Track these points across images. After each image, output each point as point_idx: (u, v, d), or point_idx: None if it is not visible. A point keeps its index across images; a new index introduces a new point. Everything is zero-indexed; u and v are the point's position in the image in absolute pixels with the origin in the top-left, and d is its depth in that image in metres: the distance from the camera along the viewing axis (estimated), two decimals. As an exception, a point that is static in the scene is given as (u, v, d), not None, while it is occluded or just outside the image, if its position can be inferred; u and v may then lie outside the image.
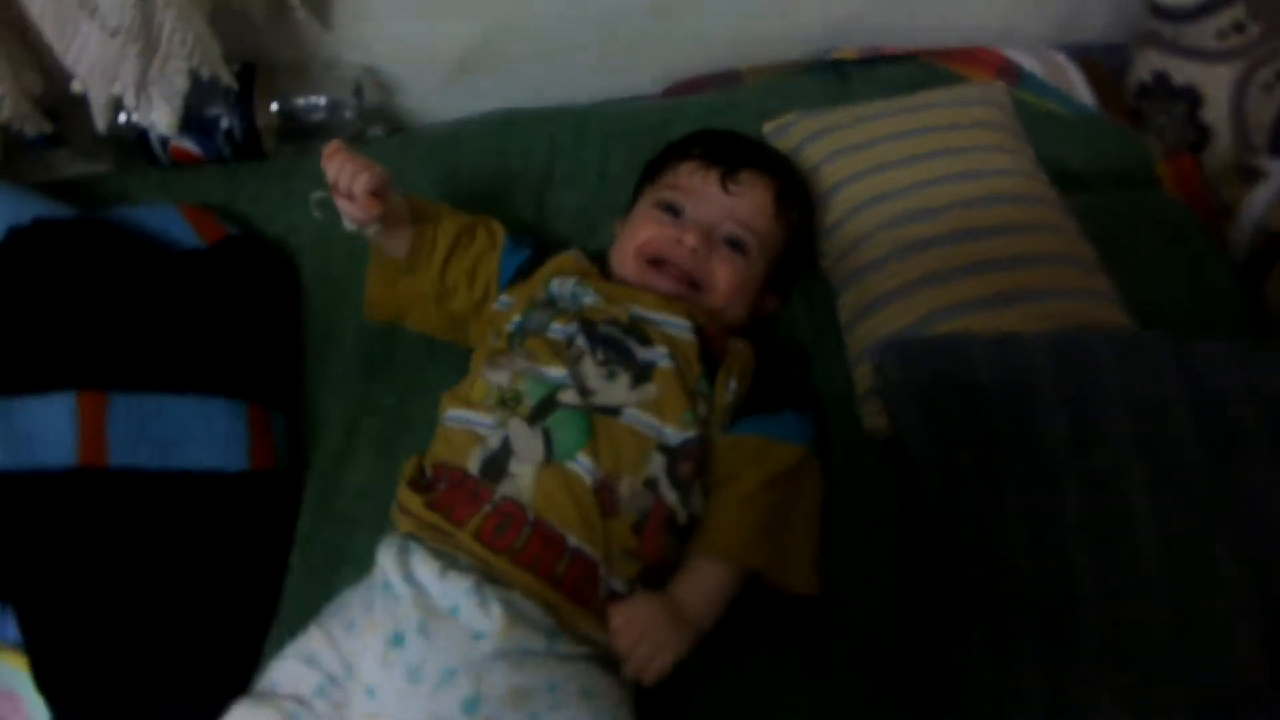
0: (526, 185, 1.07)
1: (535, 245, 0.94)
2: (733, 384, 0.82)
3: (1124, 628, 0.67)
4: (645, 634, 0.70)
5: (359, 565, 0.83)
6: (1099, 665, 0.66)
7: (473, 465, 0.75)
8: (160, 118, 0.91)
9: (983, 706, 0.70)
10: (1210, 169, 1.06)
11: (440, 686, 0.67)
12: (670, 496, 0.75)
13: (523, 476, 0.73)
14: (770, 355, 0.88)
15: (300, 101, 1.09)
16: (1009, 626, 0.70)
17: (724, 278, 0.87)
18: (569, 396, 0.76)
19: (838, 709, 0.77)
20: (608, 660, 0.72)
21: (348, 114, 1.12)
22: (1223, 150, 1.06)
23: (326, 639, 0.72)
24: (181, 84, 0.90)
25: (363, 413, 0.94)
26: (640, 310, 0.83)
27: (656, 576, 0.75)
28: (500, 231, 0.93)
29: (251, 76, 1.07)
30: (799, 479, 0.80)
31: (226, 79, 0.96)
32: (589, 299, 0.85)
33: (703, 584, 0.75)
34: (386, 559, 0.74)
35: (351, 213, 0.84)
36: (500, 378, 0.79)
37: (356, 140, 1.14)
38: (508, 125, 1.12)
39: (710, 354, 0.82)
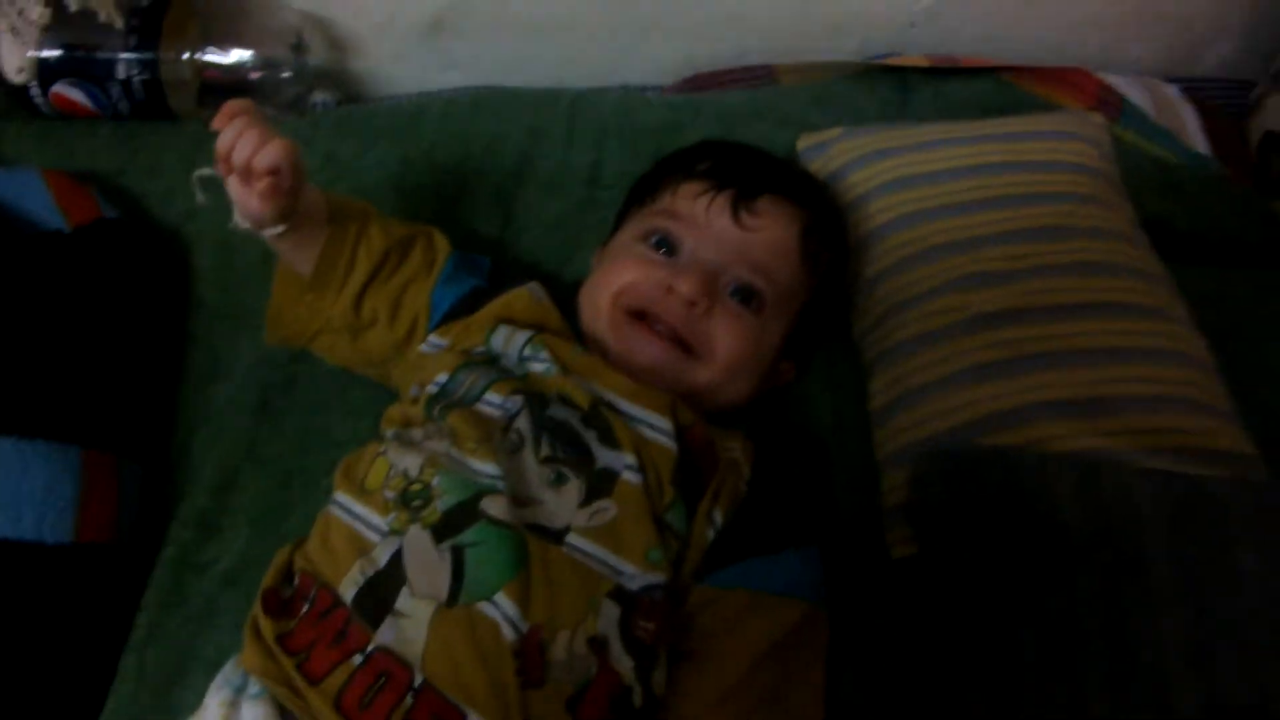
0: (493, 185, 0.86)
1: (490, 273, 0.72)
2: (717, 518, 0.60)
3: None
4: None
5: (209, 673, 0.62)
6: None
7: (348, 588, 0.54)
8: (7, 57, 0.68)
9: None
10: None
11: None
12: (624, 664, 0.54)
13: (413, 620, 0.52)
14: (776, 457, 0.66)
15: (223, 53, 0.87)
16: None
17: (726, 344, 0.65)
18: (497, 506, 0.55)
19: None
20: None
21: (284, 74, 0.90)
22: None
23: None
24: (38, 12, 0.68)
25: (245, 466, 0.73)
26: (608, 394, 0.61)
27: None
28: (443, 251, 0.71)
29: (161, 13, 0.85)
30: (800, 643, 0.59)
31: (106, 12, 0.74)
32: (540, 366, 0.63)
33: None
34: (212, 710, 0.53)
35: (245, 201, 0.62)
36: (407, 462, 0.58)
37: (294, 108, 0.92)
38: (479, 107, 0.90)
39: (692, 469, 0.60)
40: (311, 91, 0.95)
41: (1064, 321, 0.72)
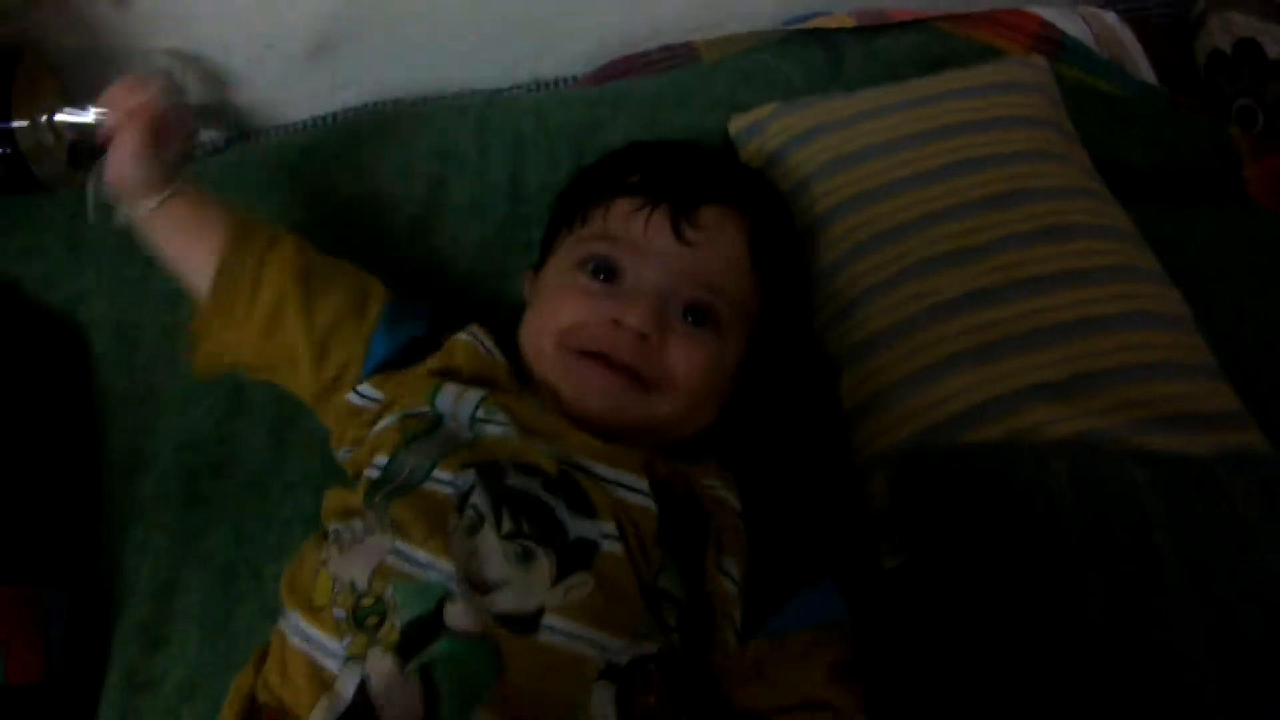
0: (408, 217, 0.79)
1: (430, 318, 0.66)
2: (729, 567, 0.56)
3: None
4: None
5: None
6: None
7: (313, 727, 0.49)
8: None
9: None
10: (1317, 172, 0.81)
11: None
12: None
13: None
14: (759, 479, 0.62)
15: (84, 112, 0.78)
16: None
17: (685, 372, 0.60)
18: (458, 614, 0.50)
19: None
20: None
21: (162, 121, 0.81)
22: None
23: None
24: None
25: (183, 565, 0.68)
26: (575, 456, 0.56)
27: None
28: (378, 295, 0.65)
29: (9, 77, 0.76)
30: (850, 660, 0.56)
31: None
32: (497, 430, 0.58)
33: None
34: None
35: (119, 157, 0.62)
36: (353, 571, 0.52)
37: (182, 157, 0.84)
38: (380, 130, 0.82)
39: (678, 524, 0.55)
40: (196, 132, 0.86)
41: (1034, 297, 0.68)
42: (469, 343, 0.63)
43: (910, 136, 0.75)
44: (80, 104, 0.77)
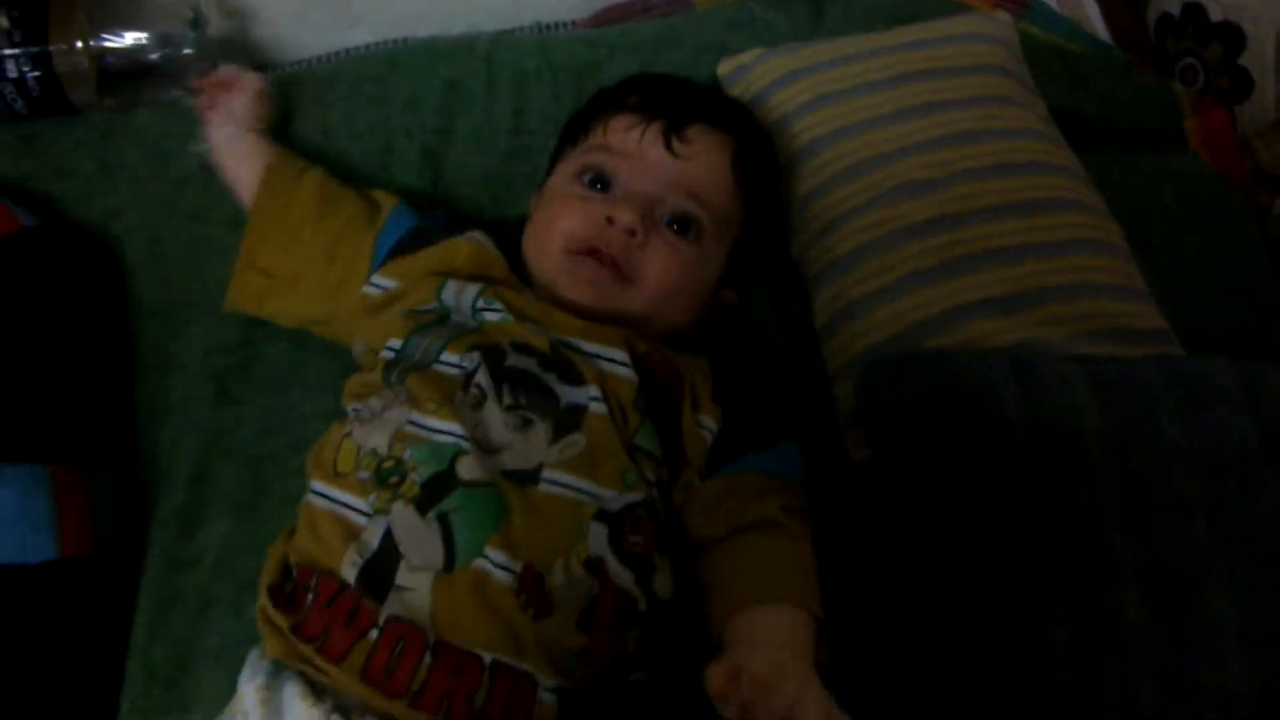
0: (418, 145, 0.84)
1: (445, 223, 0.75)
2: (706, 420, 0.64)
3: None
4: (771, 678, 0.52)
5: (214, 663, 0.66)
6: None
7: (348, 571, 0.56)
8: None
9: None
10: (1246, 126, 0.89)
11: None
12: (623, 578, 0.57)
13: (415, 590, 0.55)
14: (738, 366, 0.69)
15: (118, 37, 0.83)
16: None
17: (657, 273, 0.66)
18: (469, 466, 0.57)
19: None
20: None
21: (186, 50, 0.86)
22: (1264, 104, 0.89)
23: None
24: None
25: (214, 457, 0.74)
26: (564, 336, 0.63)
27: (617, 679, 0.58)
28: (387, 203, 0.74)
29: (44, 3, 0.80)
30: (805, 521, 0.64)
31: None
32: (495, 316, 0.65)
33: (787, 631, 0.57)
34: (250, 696, 0.55)
35: (232, 105, 0.77)
36: (375, 440, 0.59)
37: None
38: (393, 65, 0.88)
39: (656, 392, 0.63)
40: (216, 65, 0.91)
41: (988, 223, 0.75)
42: (467, 243, 0.70)
43: (883, 80, 0.82)
44: (114, 31, 0.83)
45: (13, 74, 0.80)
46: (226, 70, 0.79)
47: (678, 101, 0.71)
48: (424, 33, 0.94)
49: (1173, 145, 0.90)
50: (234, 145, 0.76)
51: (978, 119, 0.80)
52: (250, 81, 0.78)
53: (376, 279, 0.70)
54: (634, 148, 0.69)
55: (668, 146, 0.69)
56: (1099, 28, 0.97)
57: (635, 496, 0.60)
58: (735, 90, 0.86)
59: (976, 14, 0.92)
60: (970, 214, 0.75)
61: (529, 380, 0.61)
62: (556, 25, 0.98)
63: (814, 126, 0.81)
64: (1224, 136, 0.88)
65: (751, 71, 0.86)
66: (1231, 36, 0.90)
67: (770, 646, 0.55)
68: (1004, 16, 0.90)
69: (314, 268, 0.71)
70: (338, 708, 0.53)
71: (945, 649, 0.61)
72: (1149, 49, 0.98)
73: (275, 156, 0.76)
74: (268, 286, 0.73)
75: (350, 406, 0.65)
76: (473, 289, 0.66)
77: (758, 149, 0.74)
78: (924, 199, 0.76)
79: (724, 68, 0.88)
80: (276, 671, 0.56)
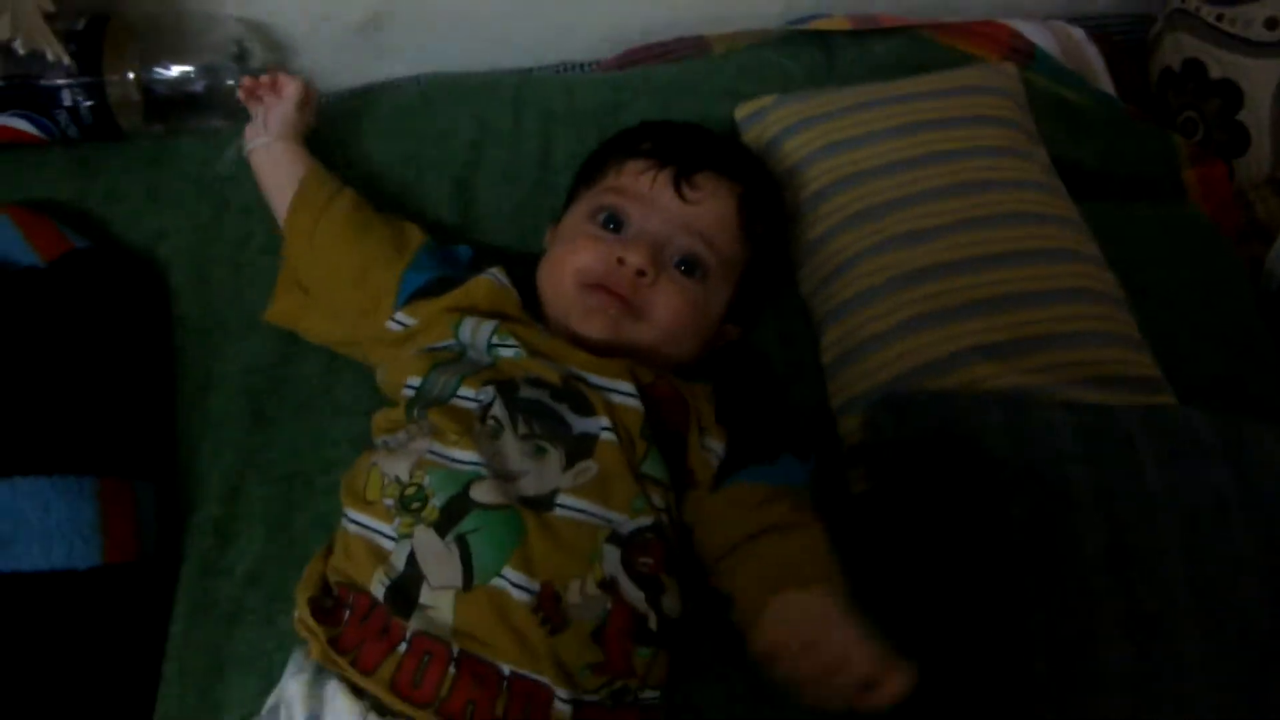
0: (447, 178, 0.89)
1: (471, 260, 0.79)
2: (713, 444, 0.68)
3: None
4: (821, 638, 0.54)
5: (245, 669, 0.70)
6: None
7: (377, 590, 0.60)
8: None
9: None
10: (1242, 179, 0.92)
11: None
12: (634, 596, 0.61)
13: (438, 608, 0.59)
14: (741, 387, 0.73)
15: (167, 69, 0.88)
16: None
17: (666, 310, 0.70)
18: (486, 491, 0.61)
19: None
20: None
21: (229, 82, 0.91)
22: (1260, 159, 0.92)
23: None
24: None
25: (248, 473, 0.78)
26: (574, 369, 0.67)
27: (629, 696, 0.62)
28: (415, 239, 0.78)
29: (100, 36, 0.85)
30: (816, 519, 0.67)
31: (53, 50, 0.74)
32: (509, 352, 0.69)
33: (818, 607, 0.57)
34: (294, 687, 0.60)
35: (274, 109, 0.80)
36: (398, 468, 0.64)
37: (245, 115, 0.93)
38: (426, 101, 0.92)
39: (661, 419, 0.67)
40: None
41: (988, 271, 0.79)
42: (488, 280, 0.74)
43: (891, 129, 0.86)
44: (162, 63, 0.88)
45: (68, 102, 0.85)
46: (274, 73, 0.82)
47: (688, 149, 0.75)
48: (453, 67, 0.99)
49: (1171, 195, 0.94)
50: (271, 151, 0.80)
51: (980, 169, 0.84)
52: (295, 87, 0.81)
53: (400, 316, 0.73)
54: (646, 191, 0.73)
55: (677, 191, 0.72)
56: (1103, 80, 1.00)
57: (645, 521, 0.63)
58: (751, 133, 0.90)
59: (983, 65, 0.95)
60: (970, 262, 0.79)
61: (542, 410, 0.65)
62: (580, 65, 1.02)
63: (824, 173, 0.85)
64: (1221, 189, 0.92)
65: (767, 117, 0.90)
66: (1230, 93, 0.94)
67: (806, 620, 0.56)
68: (1010, 68, 0.94)
69: (342, 290, 0.76)
70: (375, 707, 0.57)
71: (933, 676, 0.64)
72: (1151, 102, 1.02)
73: (311, 171, 0.80)
74: (305, 302, 0.78)
75: (379, 439, 0.69)
76: (488, 326, 0.70)
77: (763, 195, 0.78)
78: (926, 246, 0.80)
79: (740, 112, 0.92)
80: (319, 670, 0.60)
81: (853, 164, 0.85)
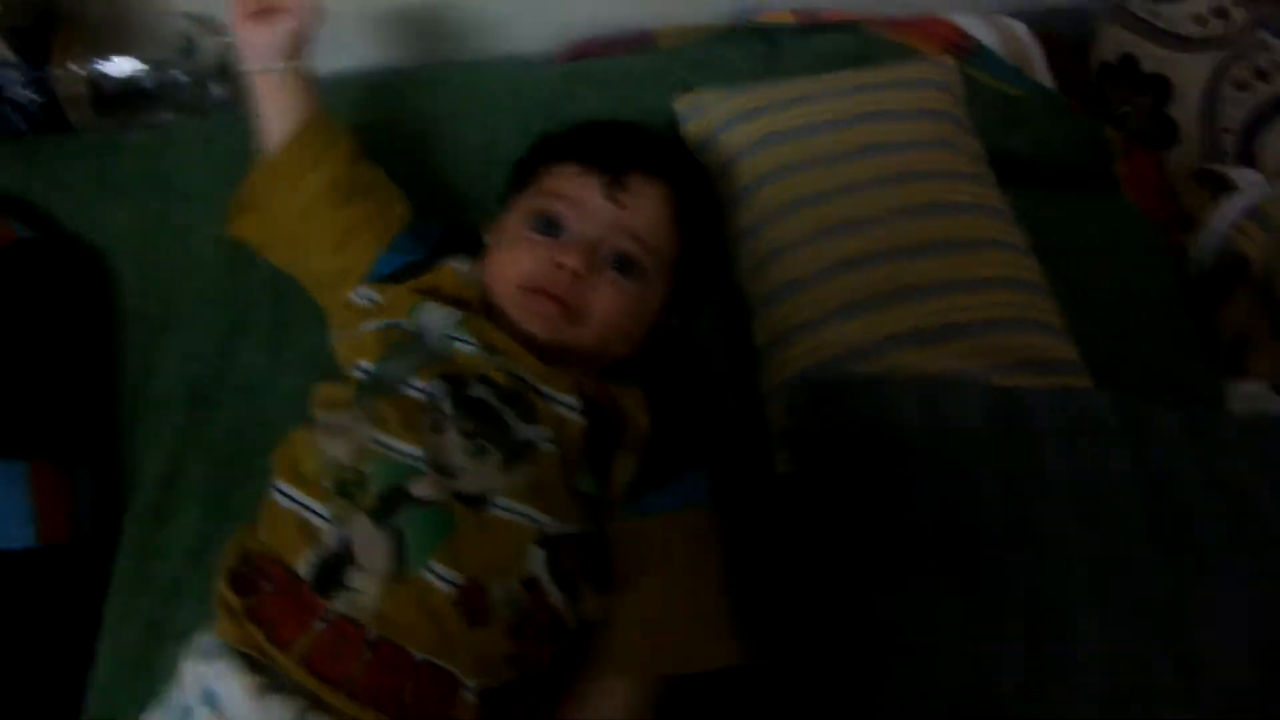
0: (396, 171, 0.90)
1: (439, 239, 0.80)
2: (629, 462, 0.69)
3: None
4: None
5: (181, 643, 0.70)
6: None
7: (303, 568, 0.61)
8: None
9: None
10: (1172, 170, 0.94)
11: None
12: (555, 597, 0.63)
13: (364, 593, 0.60)
14: (669, 396, 0.75)
15: (115, 64, 0.89)
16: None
17: (603, 308, 0.72)
18: (424, 485, 0.63)
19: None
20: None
21: (178, 76, 0.93)
22: (1188, 152, 0.94)
23: None
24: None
25: (186, 455, 0.80)
26: (526, 376, 0.69)
27: (536, 686, 0.64)
28: (400, 218, 0.79)
29: (48, 31, 0.87)
30: (706, 542, 0.70)
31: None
32: (467, 348, 0.70)
33: (618, 707, 0.65)
34: (189, 672, 0.61)
35: (258, 36, 0.76)
36: (338, 451, 0.65)
37: (192, 108, 0.95)
38: (371, 94, 0.94)
39: (601, 433, 0.68)
40: (206, 89, 0.97)
41: (916, 261, 0.81)
42: (453, 271, 0.76)
43: (828, 122, 0.87)
44: (111, 58, 0.89)
45: (15, 96, 0.86)
46: None
47: (617, 151, 0.76)
48: (404, 61, 1.00)
49: (1103, 186, 0.95)
50: (285, 79, 0.77)
51: (913, 162, 0.85)
52: (303, 6, 0.76)
53: (365, 291, 0.75)
54: (578, 194, 0.74)
55: (608, 194, 0.74)
56: (1044, 74, 1.02)
57: (572, 528, 0.65)
58: (692, 126, 0.92)
59: (923, 59, 0.97)
60: (899, 251, 0.81)
61: (488, 412, 0.66)
62: (530, 58, 1.03)
63: (762, 163, 0.87)
64: (1151, 179, 0.94)
65: (709, 109, 0.92)
66: (1161, 87, 0.95)
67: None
68: (949, 62, 0.96)
69: (316, 253, 0.77)
70: (274, 685, 0.59)
71: (848, 643, 0.66)
72: (1091, 96, 1.03)
73: (315, 113, 0.79)
74: (268, 231, 0.79)
75: (319, 415, 0.70)
76: (451, 317, 0.71)
77: (694, 191, 0.79)
78: (857, 236, 0.81)
79: (682, 104, 0.93)
80: (218, 650, 0.61)
81: (788, 155, 0.87)
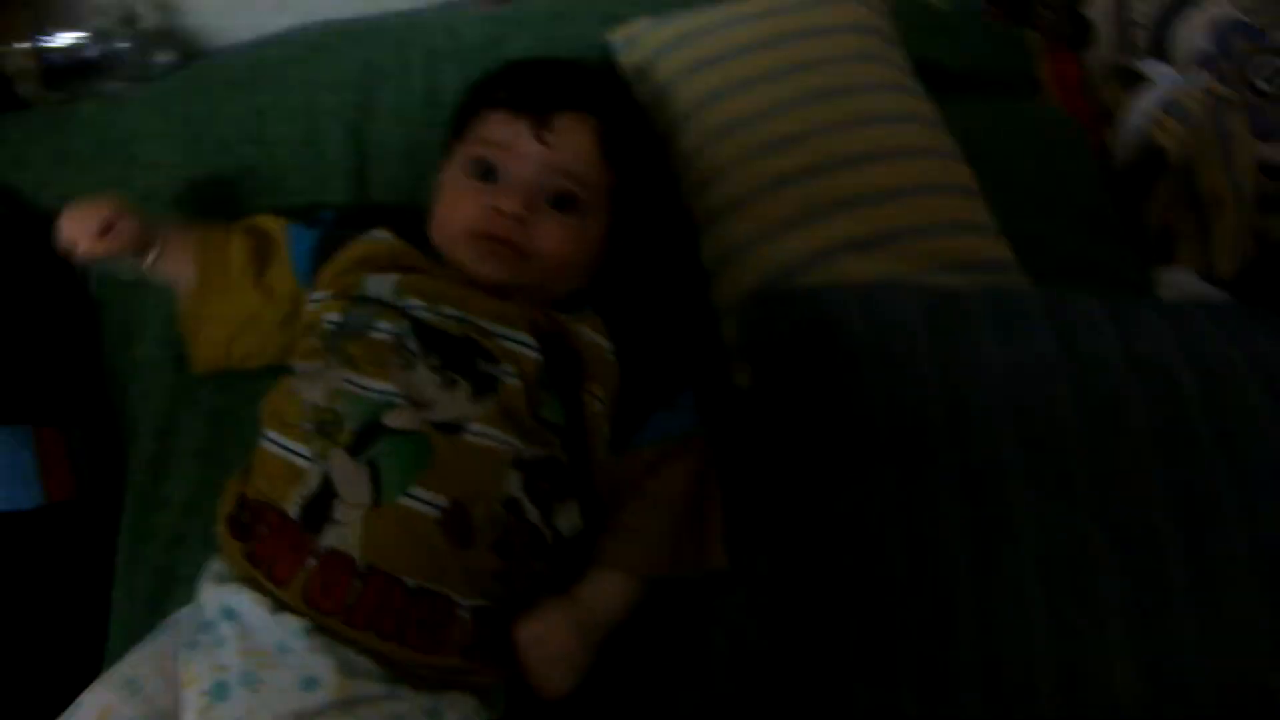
0: (343, 122, 0.93)
1: (334, 221, 0.83)
2: (598, 391, 0.73)
3: (1006, 668, 0.65)
4: (555, 653, 0.67)
5: (190, 587, 0.75)
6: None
7: (292, 508, 0.66)
8: None
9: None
10: (1090, 68, 0.98)
11: None
12: (533, 515, 0.69)
13: (349, 524, 0.65)
14: (632, 318, 0.79)
15: (58, 37, 0.91)
16: (887, 650, 0.67)
17: (548, 245, 0.75)
18: (398, 417, 0.67)
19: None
20: (463, 685, 0.67)
21: (122, 46, 0.94)
22: (1104, 49, 0.98)
23: (153, 661, 0.65)
24: None
25: (178, 411, 0.84)
26: (477, 319, 0.72)
27: (523, 599, 0.69)
28: (275, 226, 0.82)
29: (-12, 10, 0.88)
30: (702, 463, 0.75)
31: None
32: (413, 307, 0.73)
33: (610, 594, 0.71)
34: (208, 593, 0.66)
35: (102, 255, 0.77)
36: (314, 394, 0.69)
37: (138, 76, 0.97)
38: (315, 50, 0.96)
39: (560, 364, 0.73)
40: (151, 55, 0.99)
41: (849, 173, 0.85)
42: (381, 241, 0.79)
43: (755, 43, 0.91)
44: (54, 32, 0.91)
45: (-36, 76, 0.88)
46: (78, 213, 0.77)
47: (543, 92, 0.78)
48: (345, 14, 1.02)
49: (1027, 90, 1.00)
50: (161, 261, 0.79)
51: (841, 76, 0.89)
52: (114, 212, 0.77)
53: (315, 295, 0.77)
54: (508, 139, 0.76)
55: (537, 137, 0.76)
56: (967, -17, 1.05)
57: (545, 453, 0.70)
58: (625, 57, 0.95)
59: (847, -24, 1.00)
60: (832, 165, 0.85)
61: (454, 346, 0.70)
62: (462, 4, 1.05)
63: (695, 88, 0.90)
64: (1072, 80, 0.98)
65: (641, 39, 0.95)
66: (1075, -12, 0.99)
67: (578, 612, 0.69)
68: (872, -25, 0.99)
69: (265, 322, 0.80)
70: (283, 605, 0.64)
71: (806, 544, 0.73)
72: (1014, 2, 1.07)
73: (197, 240, 0.81)
74: (227, 335, 0.81)
75: (297, 365, 0.74)
76: (390, 280, 0.74)
77: (622, 122, 0.81)
78: (791, 152, 0.86)
79: (616, 36, 0.96)
80: (231, 575, 0.67)
81: (719, 78, 0.90)
